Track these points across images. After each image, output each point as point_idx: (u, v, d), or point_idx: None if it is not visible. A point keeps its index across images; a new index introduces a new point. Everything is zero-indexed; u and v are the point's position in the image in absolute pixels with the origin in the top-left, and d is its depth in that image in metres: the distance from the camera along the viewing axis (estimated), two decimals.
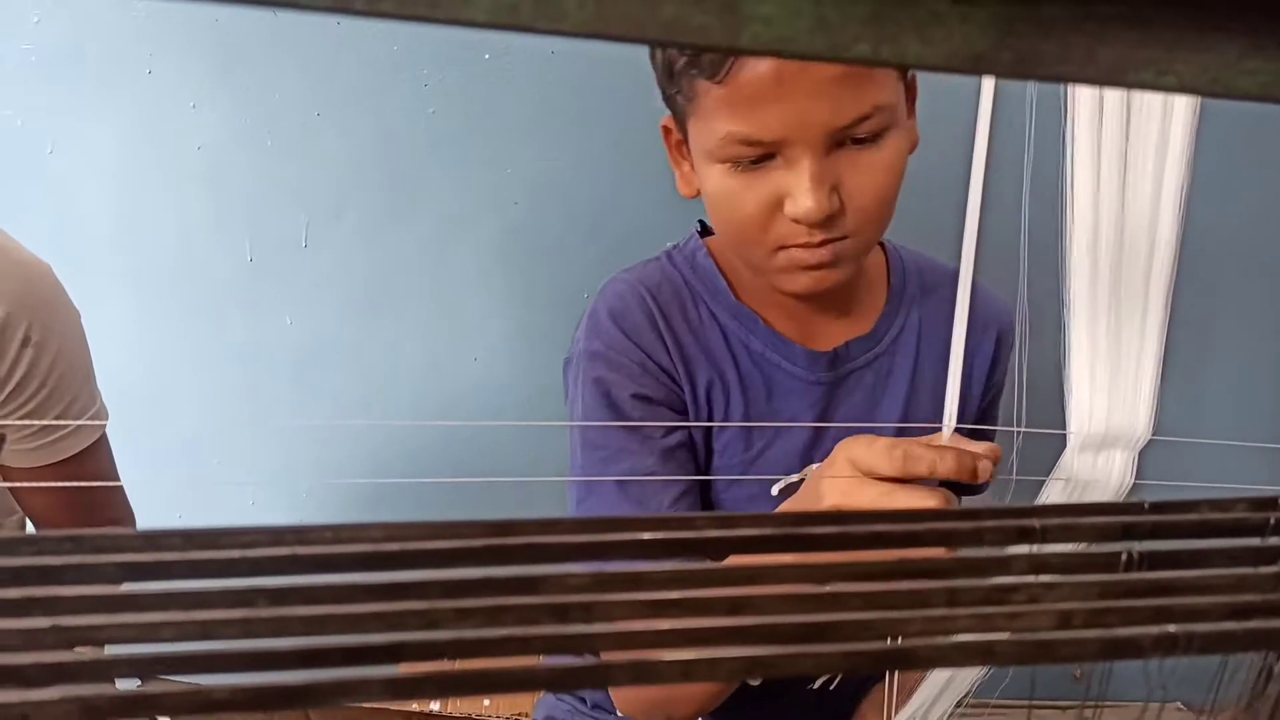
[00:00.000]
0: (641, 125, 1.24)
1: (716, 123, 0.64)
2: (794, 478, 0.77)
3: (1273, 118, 1.11)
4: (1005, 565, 0.25)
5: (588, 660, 0.20)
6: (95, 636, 0.20)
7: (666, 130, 0.73)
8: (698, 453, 0.76)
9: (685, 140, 0.71)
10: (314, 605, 0.21)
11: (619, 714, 0.89)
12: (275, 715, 1.09)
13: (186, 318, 1.32)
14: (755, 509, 0.76)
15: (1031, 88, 0.32)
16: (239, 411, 1.35)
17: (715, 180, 0.67)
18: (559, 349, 0.82)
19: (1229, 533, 0.28)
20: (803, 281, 0.69)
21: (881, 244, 0.81)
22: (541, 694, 1.00)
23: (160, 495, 1.30)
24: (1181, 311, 0.41)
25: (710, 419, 0.75)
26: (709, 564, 0.23)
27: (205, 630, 0.21)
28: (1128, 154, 0.38)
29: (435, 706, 1.32)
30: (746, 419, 0.76)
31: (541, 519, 0.25)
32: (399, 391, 1.35)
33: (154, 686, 0.18)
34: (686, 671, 0.20)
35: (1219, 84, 0.22)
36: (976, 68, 0.21)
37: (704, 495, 0.76)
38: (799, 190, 0.64)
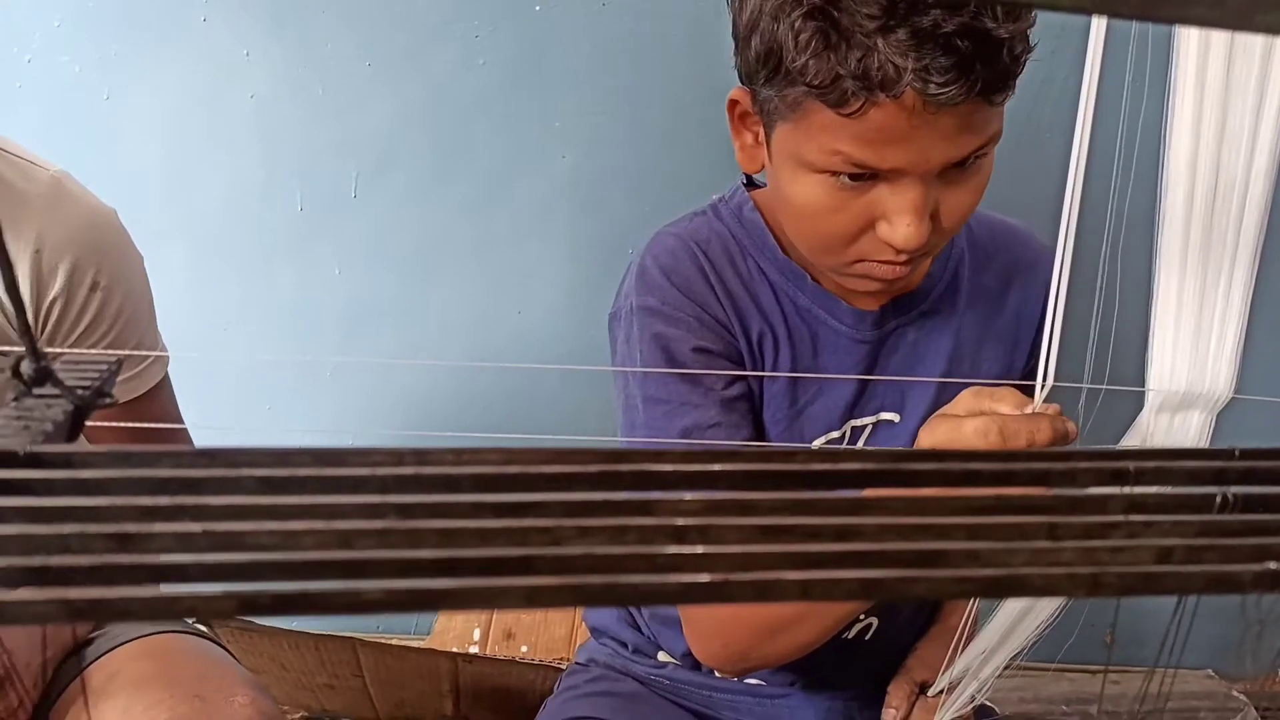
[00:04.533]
0: (691, 80, 1.23)
1: (828, 140, 0.62)
2: (834, 434, 0.78)
3: None
4: (1101, 505, 0.26)
5: (715, 577, 0.20)
6: (242, 542, 0.21)
7: (734, 102, 0.71)
8: (755, 401, 0.77)
9: (760, 120, 0.68)
10: (444, 520, 0.22)
11: (660, 659, 0.91)
12: (327, 661, 1.12)
13: (237, 266, 1.34)
14: None
15: (1133, 40, 0.32)
16: (286, 362, 1.37)
17: (809, 189, 0.65)
18: (605, 304, 0.83)
19: None
20: (874, 288, 0.70)
21: None
22: (581, 639, 1.02)
23: (207, 443, 1.33)
24: (1268, 271, 0.41)
25: (762, 369, 0.76)
26: (817, 493, 0.24)
27: (344, 540, 0.22)
28: (1227, 108, 0.37)
29: (475, 650, 1.35)
30: (793, 372, 0.77)
31: (651, 448, 0.25)
32: (445, 344, 1.36)
33: (309, 585, 0.19)
34: (806, 589, 0.21)
35: None
36: (1103, 7, 0.21)
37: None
38: (899, 219, 0.62)
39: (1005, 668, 0.61)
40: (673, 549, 0.22)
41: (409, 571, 0.21)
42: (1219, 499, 0.26)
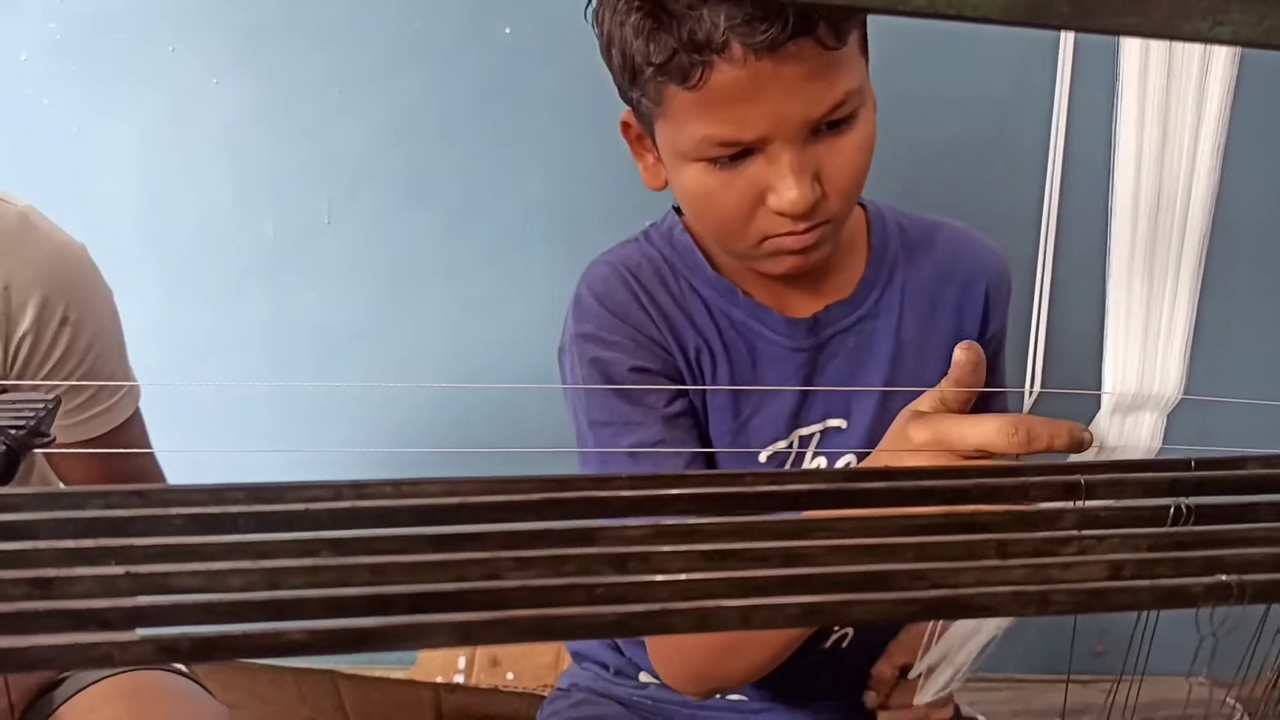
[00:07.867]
0: None
1: (691, 126, 0.65)
2: (781, 443, 0.78)
3: None
4: (1054, 520, 0.25)
5: (650, 606, 0.20)
6: (167, 584, 0.21)
7: (626, 125, 0.74)
8: (699, 416, 0.77)
9: (649, 135, 0.71)
10: (377, 555, 0.22)
11: (641, 680, 0.90)
12: (307, 695, 1.10)
13: (209, 295, 1.32)
14: None
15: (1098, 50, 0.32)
16: (261, 390, 1.36)
17: (693, 179, 0.68)
18: None
19: (1276, 488, 0.28)
20: (788, 264, 0.71)
21: (861, 203, 0.81)
22: (567, 664, 1.01)
23: (183, 474, 1.31)
24: (1213, 272, 0.41)
25: (702, 384, 0.77)
26: (764, 516, 0.24)
27: (271, 579, 0.21)
28: (1168, 112, 0.38)
29: (460, 679, 1.33)
30: (734, 385, 0.77)
31: (596, 475, 0.25)
32: (420, 369, 1.35)
33: (230, 628, 0.19)
34: (746, 616, 0.20)
35: (1275, 34, 0.22)
36: (1035, 19, 0.21)
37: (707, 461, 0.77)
38: (781, 184, 0.64)
39: (983, 650, 0.60)
40: (612, 579, 0.21)
41: (337, 610, 0.20)
42: (1173, 511, 0.25)
